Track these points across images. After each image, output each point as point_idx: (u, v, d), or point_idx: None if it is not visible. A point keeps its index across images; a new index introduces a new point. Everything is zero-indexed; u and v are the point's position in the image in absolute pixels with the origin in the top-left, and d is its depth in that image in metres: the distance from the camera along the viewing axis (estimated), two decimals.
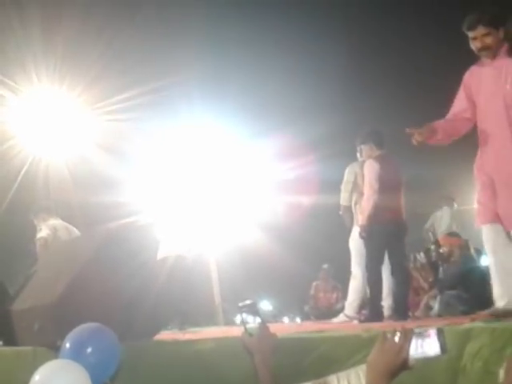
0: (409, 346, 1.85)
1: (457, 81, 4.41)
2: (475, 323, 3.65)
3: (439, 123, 4.31)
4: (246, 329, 2.72)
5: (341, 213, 6.64)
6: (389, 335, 1.89)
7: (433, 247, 7.90)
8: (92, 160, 10.82)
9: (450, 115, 4.38)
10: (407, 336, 1.87)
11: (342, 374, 3.25)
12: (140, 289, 3.77)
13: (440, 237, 7.74)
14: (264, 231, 11.13)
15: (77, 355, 3.01)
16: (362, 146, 6.16)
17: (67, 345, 3.06)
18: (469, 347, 3.02)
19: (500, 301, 4.07)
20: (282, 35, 10.72)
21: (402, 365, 1.86)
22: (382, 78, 10.86)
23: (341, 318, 6.46)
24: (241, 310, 2.79)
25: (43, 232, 7.38)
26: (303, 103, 10.50)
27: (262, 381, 2.60)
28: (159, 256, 7.65)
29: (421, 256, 8.33)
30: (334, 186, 6.64)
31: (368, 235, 5.81)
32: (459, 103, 4.34)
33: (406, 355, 1.85)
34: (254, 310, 2.79)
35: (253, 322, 2.89)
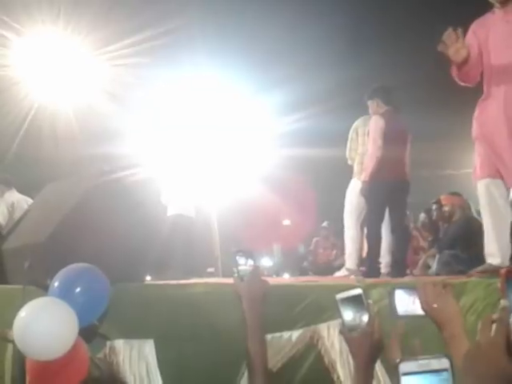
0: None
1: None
2: (470, 279, 3.61)
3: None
4: (237, 272, 2.66)
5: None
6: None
7: (434, 206, 7.82)
8: (97, 108, 10.70)
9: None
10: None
11: (333, 323, 3.23)
12: (137, 235, 3.73)
13: (442, 196, 7.65)
14: (265, 184, 11.08)
15: (64, 294, 2.96)
16: (369, 102, 6.03)
17: (55, 283, 3.00)
18: (463, 300, 2.99)
19: (494, 258, 4.01)
20: None
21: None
22: (385, 34, 10.64)
23: (342, 272, 6.43)
24: (235, 253, 2.73)
25: None
26: (306, 58, 10.32)
27: (249, 326, 2.55)
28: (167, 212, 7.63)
29: (422, 215, 8.27)
30: (336, 139, 6.50)
31: (369, 191, 5.73)
32: (472, 50, 4.13)
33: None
34: (247, 254, 2.73)
35: (245, 265, 2.83)
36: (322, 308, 3.15)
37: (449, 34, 3.88)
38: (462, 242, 6.69)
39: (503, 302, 1.38)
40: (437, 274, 6.56)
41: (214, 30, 10.37)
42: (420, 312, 1.96)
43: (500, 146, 3.96)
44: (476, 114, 4.19)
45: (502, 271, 1.47)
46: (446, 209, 7.25)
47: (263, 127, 10.67)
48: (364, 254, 6.35)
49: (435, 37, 4.08)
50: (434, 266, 6.97)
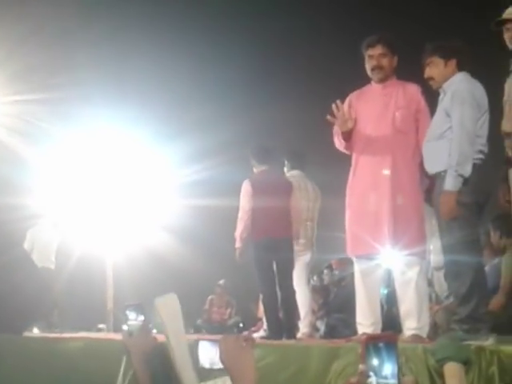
0: None
1: None
2: (346, 344, 3.73)
3: None
4: (127, 326, 2.66)
5: None
6: None
7: (326, 271, 8.05)
8: None
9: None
10: None
11: (210, 383, 3.24)
12: (9, 286, 3.63)
13: (333, 260, 7.89)
14: (169, 235, 11.00)
15: None
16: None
17: None
18: (335, 364, 3.09)
19: (366, 327, 4.20)
20: (190, 41, 10.70)
21: None
22: (281, 90, 11.01)
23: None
24: (126, 307, 2.73)
25: None
26: (207, 111, 10.50)
27: (140, 381, 2.55)
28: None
29: (314, 279, 8.46)
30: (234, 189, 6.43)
31: (246, 253, 5.78)
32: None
33: None
34: (139, 310, 2.73)
35: (135, 320, 2.82)
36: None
37: (337, 106, 4.19)
38: (350, 306, 6.86)
39: (361, 367, 1.47)
40: (324, 337, 6.67)
41: (113, 83, 10.37)
42: (221, 365, 1.97)
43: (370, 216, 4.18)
44: (348, 184, 4.39)
45: (362, 338, 1.56)
46: (337, 273, 7.46)
47: (164, 177, 10.70)
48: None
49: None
50: (322, 328, 7.10)
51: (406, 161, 4.18)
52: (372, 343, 1.43)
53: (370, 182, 4.22)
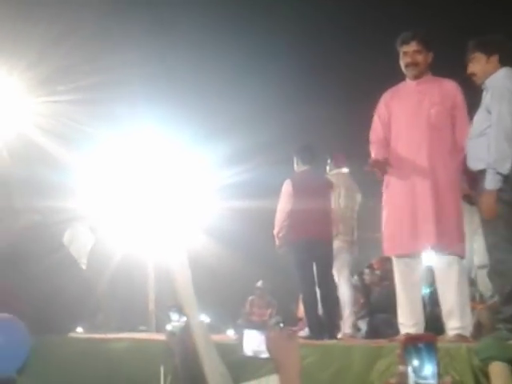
0: None
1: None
2: (389, 344, 3.71)
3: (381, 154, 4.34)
4: (170, 327, 2.70)
5: None
6: None
7: (367, 270, 7.99)
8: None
9: (377, 140, 4.41)
10: None
11: (254, 382, 3.26)
12: (55, 288, 3.71)
13: (374, 260, 7.84)
14: (209, 237, 11.05)
15: None
16: (294, 159, 6.08)
17: None
18: (379, 364, 3.07)
19: (409, 328, 4.16)
20: (229, 37, 10.69)
21: None
22: (326, 89, 10.93)
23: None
24: (169, 308, 2.77)
25: None
26: (247, 111, 10.49)
27: (181, 381, 2.59)
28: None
29: (355, 278, 8.41)
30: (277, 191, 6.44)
31: (288, 252, 5.80)
32: (380, 128, 4.40)
33: None
34: (181, 311, 2.76)
35: (178, 321, 2.85)
36: (246, 365, 3.16)
37: (376, 163, 4.23)
38: (394, 306, 6.80)
39: (401, 368, 1.47)
40: (366, 337, 6.63)
41: (152, 83, 10.44)
42: (265, 354, 2.01)
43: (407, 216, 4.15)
44: (385, 183, 4.36)
45: (401, 339, 1.55)
46: (378, 273, 7.40)
47: (204, 180, 10.73)
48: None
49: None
50: (364, 328, 7.06)
51: (443, 157, 4.13)
52: (411, 344, 1.43)
53: (406, 180, 4.18)
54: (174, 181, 10.78)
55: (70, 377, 3.34)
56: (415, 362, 1.41)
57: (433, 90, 4.23)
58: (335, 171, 6.37)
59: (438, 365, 1.40)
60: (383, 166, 4.26)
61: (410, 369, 1.41)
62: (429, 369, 1.40)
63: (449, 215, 4.06)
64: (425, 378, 1.40)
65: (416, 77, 4.28)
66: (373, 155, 4.39)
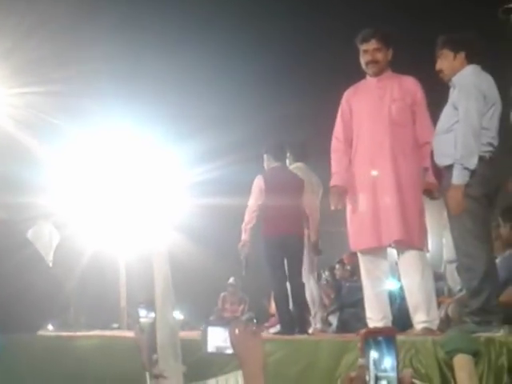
0: None
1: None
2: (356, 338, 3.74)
3: (342, 176, 4.38)
4: (138, 323, 2.68)
5: None
6: None
7: (338, 265, 8.06)
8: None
9: (337, 148, 4.46)
10: None
11: (221, 378, 3.28)
12: (24, 284, 3.68)
13: (344, 255, 7.90)
14: (180, 234, 11.02)
15: None
16: (264, 156, 6.08)
17: None
18: (345, 358, 3.11)
19: (375, 322, 4.22)
20: (202, 35, 10.67)
21: None
22: (297, 88, 10.98)
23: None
24: (138, 305, 2.76)
25: None
26: (219, 110, 10.48)
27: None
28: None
29: (326, 273, 8.48)
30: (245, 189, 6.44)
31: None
32: (343, 129, 4.43)
33: None
34: (150, 306, 2.75)
35: (146, 317, 2.83)
36: (211, 363, 3.19)
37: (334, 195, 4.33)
38: (362, 300, 6.87)
39: (361, 361, 1.49)
40: (336, 332, 6.68)
41: (124, 79, 10.35)
42: (230, 350, 2.02)
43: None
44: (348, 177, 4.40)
45: (361, 332, 1.58)
46: (348, 268, 7.47)
47: (175, 177, 10.68)
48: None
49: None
50: (335, 323, 7.11)
51: (404, 153, 4.19)
52: (371, 337, 1.45)
53: (368, 176, 4.23)
54: (144, 177, 10.74)
55: (39, 375, 3.32)
56: (375, 355, 1.43)
57: (393, 86, 4.29)
58: (296, 164, 6.33)
59: (398, 358, 1.43)
60: (341, 195, 4.31)
61: (370, 361, 1.43)
62: (388, 361, 1.42)
63: (411, 211, 4.12)
64: (384, 370, 1.42)
65: (376, 74, 4.34)
66: (333, 170, 4.44)
